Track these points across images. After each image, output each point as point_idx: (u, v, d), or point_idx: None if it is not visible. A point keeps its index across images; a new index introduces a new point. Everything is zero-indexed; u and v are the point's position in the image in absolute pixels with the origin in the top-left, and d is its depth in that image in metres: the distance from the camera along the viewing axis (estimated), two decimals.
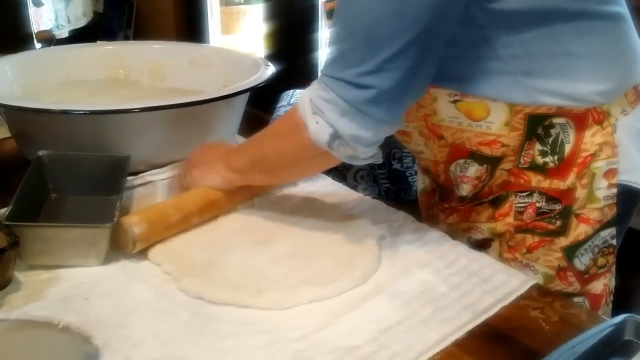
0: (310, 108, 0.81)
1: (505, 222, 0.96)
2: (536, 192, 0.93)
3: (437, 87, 0.90)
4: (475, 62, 0.86)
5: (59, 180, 1.03)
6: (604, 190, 0.91)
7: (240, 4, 4.50)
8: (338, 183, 1.15)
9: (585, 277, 0.95)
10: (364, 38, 0.77)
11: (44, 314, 0.75)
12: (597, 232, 0.92)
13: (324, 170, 1.04)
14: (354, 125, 0.80)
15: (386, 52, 0.76)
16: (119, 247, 0.88)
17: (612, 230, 0.93)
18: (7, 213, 0.83)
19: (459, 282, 0.84)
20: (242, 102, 1.30)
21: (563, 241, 0.93)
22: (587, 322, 0.78)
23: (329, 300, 0.81)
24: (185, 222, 0.94)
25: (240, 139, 1.34)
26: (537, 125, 0.89)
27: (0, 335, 0.56)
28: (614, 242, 0.94)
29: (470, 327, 0.76)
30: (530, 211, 0.94)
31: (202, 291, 0.80)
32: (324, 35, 3.54)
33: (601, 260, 0.95)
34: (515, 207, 0.95)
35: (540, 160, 0.92)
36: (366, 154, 0.85)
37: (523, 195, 0.94)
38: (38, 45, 3.06)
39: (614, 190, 0.91)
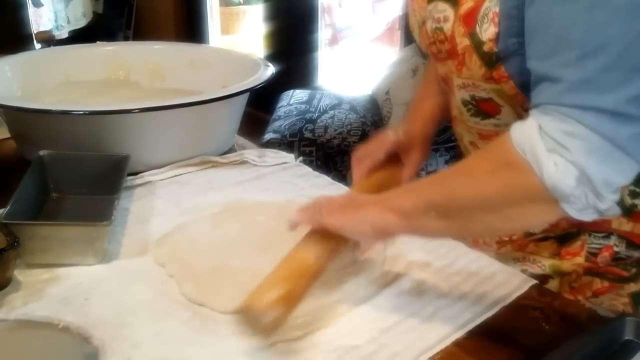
0: (544, 144, 0.63)
1: (575, 262, 0.88)
2: (614, 234, 0.85)
3: None
4: None
5: (59, 180, 1.03)
6: None
7: (239, 4, 4.50)
8: (337, 183, 1.15)
9: None
10: (620, 53, 0.61)
11: (44, 314, 0.75)
12: None
13: (532, 226, 0.87)
14: (607, 167, 0.62)
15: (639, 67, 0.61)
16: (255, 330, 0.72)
17: None
18: (5, 212, 0.83)
19: (459, 282, 0.84)
20: (241, 102, 1.30)
21: (632, 287, 0.87)
22: (587, 322, 0.78)
23: None
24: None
25: (240, 139, 1.34)
26: None
27: (0, 335, 0.56)
28: None
29: (470, 326, 0.76)
30: (606, 255, 0.87)
31: (205, 300, 0.79)
32: (324, 35, 3.54)
33: None
34: (589, 247, 0.87)
35: (629, 201, 0.83)
36: (607, 205, 0.64)
37: (599, 237, 0.86)
38: (38, 45, 3.06)
39: None
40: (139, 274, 0.85)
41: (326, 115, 2.66)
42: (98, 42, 1.64)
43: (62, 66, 1.44)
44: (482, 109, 0.84)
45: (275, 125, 2.60)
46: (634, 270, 0.86)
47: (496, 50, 0.74)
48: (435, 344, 0.73)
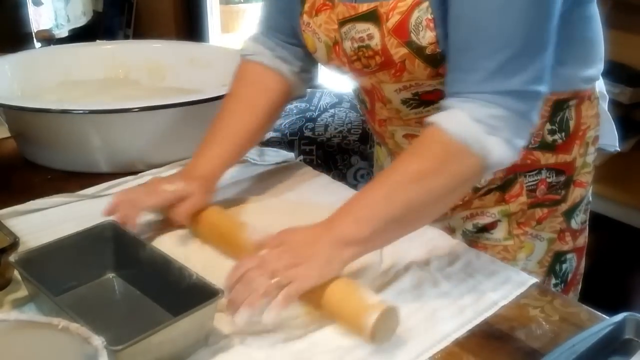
0: (481, 128, 0.75)
1: (519, 202, 0.99)
2: (544, 169, 0.97)
3: None
4: None
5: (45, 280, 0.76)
6: (592, 155, 1.01)
7: (240, 2, 4.49)
8: (338, 182, 1.15)
9: (577, 234, 1.03)
10: (523, 45, 0.75)
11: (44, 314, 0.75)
12: (587, 192, 1.03)
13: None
14: (522, 135, 0.78)
15: (543, 56, 0.76)
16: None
17: (590, 189, 1.04)
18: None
19: (460, 281, 0.84)
20: None
21: (564, 206, 1.00)
22: (587, 321, 0.78)
23: None
24: None
25: None
26: (560, 111, 0.94)
27: (0, 335, 0.56)
28: (590, 198, 1.05)
29: (470, 326, 0.76)
30: (542, 187, 0.98)
31: None
32: None
33: (583, 217, 1.04)
34: (527, 186, 0.98)
35: (549, 138, 0.95)
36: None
37: (532, 174, 0.97)
38: (38, 44, 3.05)
39: (596, 154, 1.01)
40: None
41: (326, 114, 2.65)
42: (98, 40, 1.65)
43: (62, 65, 1.44)
44: (425, 99, 0.91)
45: (275, 123, 2.60)
46: (562, 192, 0.99)
47: (439, 50, 0.82)
48: (436, 343, 0.73)
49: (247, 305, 0.69)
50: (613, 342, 0.69)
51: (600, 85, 1.01)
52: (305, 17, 0.94)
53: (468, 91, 0.77)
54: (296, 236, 0.76)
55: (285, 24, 0.99)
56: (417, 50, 0.82)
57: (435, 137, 0.77)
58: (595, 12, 0.93)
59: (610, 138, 1.05)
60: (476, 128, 0.75)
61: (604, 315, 0.78)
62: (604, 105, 1.02)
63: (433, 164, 0.77)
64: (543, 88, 0.78)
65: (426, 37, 0.81)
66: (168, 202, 0.89)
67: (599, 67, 0.97)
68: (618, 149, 1.07)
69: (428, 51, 0.82)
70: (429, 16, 0.80)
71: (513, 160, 0.78)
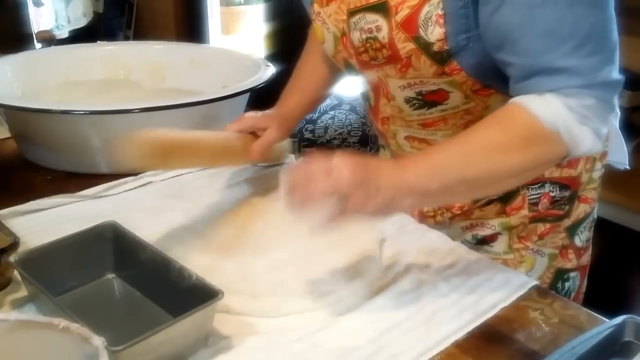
0: (574, 118, 0.75)
1: (520, 215, 0.98)
2: (548, 182, 0.96)
3: (497, 94, 0.88)
4: None
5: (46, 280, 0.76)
6: (598, 171, 1.01)
7: (240, 4, 4.50)
8: None
9: (580, 252, 1.03)
10: (599, 39, 0.76)
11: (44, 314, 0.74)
12: (593, 210, 1.02)
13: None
14: (606, 125, 0.80)
15: (617, 43, 0.78)
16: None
17: (596, 206, 1.04)
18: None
19: (459, 283, 0.84)
20: (242, 102, 1.30)
21: (567, 222, 1.00)
22: (586, 323, 0.78)
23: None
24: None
25: None
26: None
27: (0, 335, 0.56)
28: (595, 216, 1.05)
29: (470, 327, 0.76)
30: (545, 201, 0.97)
31: None
32: None
33: (588, 234, 1.04)
34: (529, 199, 0.97)
35: None
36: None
37: (535, 187, 0.97)
38: (38, 45, 3.05)
39: (603, 170, 1.02)
40: None
41: (326, 116, 2.66)
42: (98, 41, 1.65)
43: (63, 66, 1.44)
44: (428, 100, 0.91)
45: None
46: (566, 207, 0.99)
47: (447, 47, 0.81)
48: (435, 345, 0.73)
49: (303, 201, 0.71)
50: (613, 345, 0.68)
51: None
52: (315, 7, 0.94)
53: (560, 87, 0.76)
54: (369, 165, 0.74)
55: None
56: (424, 47, 0.82)
57: (522, 118, 0.76)
58: None
59: (619, 155, 1.04)
60: (569, 116, 0.75)
61: (603, 318, 0.78)
62: (615, 122, 1.01)
63: (516, 141, 0.76)
64: (621, 76, 0.79)
65: (435, 33, 0.80)
66: (248, 127, 1.03)
67: None
68: (628, 167, 1.05)
69: (435, 48, 0.81)
70: (440, 12, 0.79)
71: (599, 149, 0.81)
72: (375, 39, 0.85)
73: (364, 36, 0.86)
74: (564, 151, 0.77)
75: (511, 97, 0.80)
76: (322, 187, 0.70)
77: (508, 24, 0.76)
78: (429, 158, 0.79)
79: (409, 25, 0.81)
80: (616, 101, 0.81)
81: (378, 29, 0.84)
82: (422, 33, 0.81)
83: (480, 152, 0.77)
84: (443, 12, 0.79)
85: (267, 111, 1.07)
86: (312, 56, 1.12)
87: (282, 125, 1.05)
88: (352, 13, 0.87)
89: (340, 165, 0.72)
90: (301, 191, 0.71)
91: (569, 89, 0.75)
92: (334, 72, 1.09)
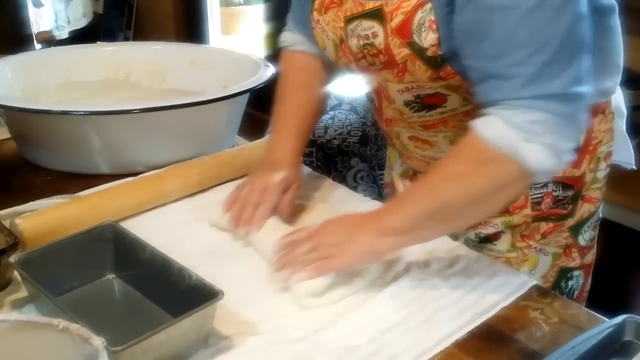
0: (518, 136, 0.74)
1: (523, 214, 0.98)
2: (551, 182, 0.96)
3: None
4: None
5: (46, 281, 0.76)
6: (603, 171, 1.00)
7: (240, 4, 4.49)
8: (338, 184, 1.15)
9: (584, 251, 1.02)
10: (559, 47, 0.73)
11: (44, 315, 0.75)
12: (597, 209, 1.01)
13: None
14: (568, 138, 0.76)
15: (580, 57, 0.74)
16: None
17: (601, 205, 1.03)
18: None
19: (459, 282, 0.84)
20: (242, 103, 1.30)
21: (570, 221, 0.99)
22: (586, 323, 0.78)
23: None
24: None
25: (241, 140, 1.34)
26: None
27: (0, 336, 0.56)
28: (601, 215, 1.04)
29: (470, 327, 0.76)
30: (548, 200, 0.97)
31: None
32: None
33: (592, 234, 1.03)
34: (532, 199, 0.97)
35: None
36: (567, 162, 0.79)
37: (538, 187, 0.96)
38: (38, 46, 3.05)
39: (608, 170, 1.01)
40: None
41: (326, 116, 2.65)
42: (98, 42, 1.64)
43: (63, 66, 1.44)
44: (427, 102, 0.91)
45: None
46: (570, 207, 0.98)
47: (440, 52, 0.81)
48: (435, 345, 0.73)
49: (287, 264, 0.81)
50: (613, 344, 0.69)
51: (619, 101, 0.99)
52: (315, 14, 0.95)
53: (507, 98, 0.75)
54: (344, 221, 0.85)
55: (307, 18, 1.00)
56: (419, 52, 0.82)
57: (472, 142, 0.77)
58: (615, 24, 0.92)
59: (625, 155, 1.03)
60: (511, 135, 0.74)
61: (603, 317, 0.78)
62: (621, 123, 1.00)
63: (469, 166, 0.78)
64: (586, 89, 0.75)
65: (428, 38, 0.81)
66: (281, 192, 0.97)
67: (616, 79, 0.96)
68: (634, 167, 1.04)
69: (429, 53, 0.82)
70: (432, 17, 0.79)
71: (560, 164, 0.76)
72: (372, 45, 0.86)
73: (361, 42, 0.87)
74: (519, 170, 0.75)
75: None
76: (302, 250, 0.81)
77: (470, 27, 0.77)
78: (397, 201, 0.87)
79: (404, 30, 0.82)
80: (585, 115, 0.77)
81: (374, 35, 0.85)
82: (416, 38, 0.81)
83: (439, 184, 0.80)
84: (435, 18, 0.80)
85: (263, 169, 1.00)
86: (293, 89, 1.07)
87: (297, 175, 1.02)
88: (349, 20, 0.88)
89: (317, 232, 0.83)
90: (287, 256, 0.82)
91: (518, 100, 0.74)
92: (321, 100, 1.07)
